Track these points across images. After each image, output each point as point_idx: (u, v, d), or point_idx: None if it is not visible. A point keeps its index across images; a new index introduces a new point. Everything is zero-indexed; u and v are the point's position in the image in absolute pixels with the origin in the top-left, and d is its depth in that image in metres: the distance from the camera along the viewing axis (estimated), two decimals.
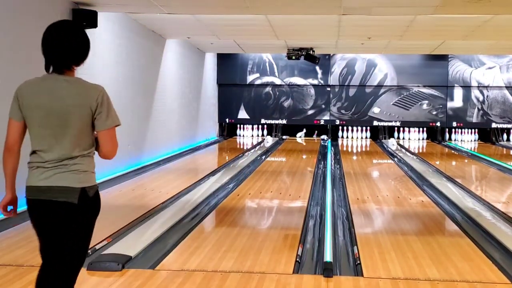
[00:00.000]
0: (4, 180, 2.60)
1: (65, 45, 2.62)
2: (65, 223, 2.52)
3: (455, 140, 16.93)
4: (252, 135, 17.23)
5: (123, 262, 4.20)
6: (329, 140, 16.15)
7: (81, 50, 2.67)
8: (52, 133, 2.50)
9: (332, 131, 17.02)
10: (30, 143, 2.55)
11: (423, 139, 17.00)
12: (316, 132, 17.18)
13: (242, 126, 17.30)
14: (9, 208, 2.63)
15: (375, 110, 16.90)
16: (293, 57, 13.44)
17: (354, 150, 14.72)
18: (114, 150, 2.58)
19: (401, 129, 17.09)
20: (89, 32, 7.64)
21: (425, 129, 17.04)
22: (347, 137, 17.19)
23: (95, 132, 2.57)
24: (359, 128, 17.18)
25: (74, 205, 2.50)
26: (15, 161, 2.57)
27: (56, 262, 2.58)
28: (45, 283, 2.59)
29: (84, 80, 2.58)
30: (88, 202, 2.54)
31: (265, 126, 17.18)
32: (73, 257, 2.59)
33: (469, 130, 16.95)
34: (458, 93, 16.74)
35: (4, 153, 2.58)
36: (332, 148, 14.11)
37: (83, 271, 4.07)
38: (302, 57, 13.51)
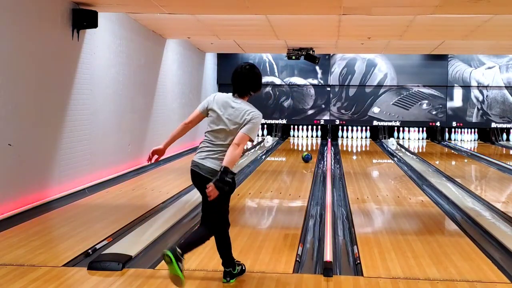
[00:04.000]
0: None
1: None
2: None
3: (454, 140, 16.94)
4: None
5: (124, 261, 4.20)
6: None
7: None
8: None
9: (332, 131, 17.04)
10: None
11: (422, 139, 17.02)
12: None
13: None
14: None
15: (375, 110, 16.92)
16: (293, 57, 13.44)
17: (354, 150, 14.72)
18: None
19: (401, 129, 17.10)
20: (89, 32, 7.66)
21: (424, 129, 17.06)
22: (347, 137, 17.20)
23: None
24: (359, 128, 17.20)
25: None
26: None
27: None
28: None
29: None
30: None
31: (265, 126, 17.19)
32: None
33: (469, 130, 16.97)
34: (457, 93, 16.75)
35: None
36: (332, 148, 14.12)
37: (83, 271, 4.09)
38: (302, 57, 13.51)
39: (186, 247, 3.67)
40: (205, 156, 3.72)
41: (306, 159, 11.13)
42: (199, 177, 3.72)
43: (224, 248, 3.83)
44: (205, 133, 3.83)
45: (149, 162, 3.99)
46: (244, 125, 3.68)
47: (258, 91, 3.87)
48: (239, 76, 3.82)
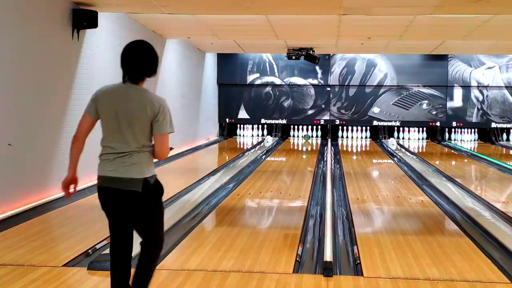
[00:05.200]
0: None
1: None
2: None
3: (454, 140, 16.94)
4: (252, 135, 17.25)
5: None
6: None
7: None
8: None
9: (332, 131, 17.04)
10: None
11: (422, 139, 17.02)
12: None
13: (242, 126, 17.31)
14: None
15: (375, 110, 16.91)
16: (293, 57, 13.44)
17: (354, 150, 14.72)
18: None
19: (401, 129, 17.10)
20: (89, 32, 7.66)
21: (424, 129, 17.06)
22: (347, 137, 17.20)
23: None
24: (359, 128, 17.20)
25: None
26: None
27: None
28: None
29: None
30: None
31: (265, 126, 17.19)
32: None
33: (469, 130, 16.97)
34: (457, 93, 16.75)
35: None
36: (332, 148, 14.12)
37: (83, 271, 4.08)
38: (302, 57, 13.51)
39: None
40: (114, 168, 2.99)
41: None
42: (116, 194, 2.99)
43: (152, 270, 3.18)
44: (102, 143, 3.08)
45: (69, 197, 3.32)
46: (156, 122, 2.96)
47: (154, 75, 3.08)
48: (131, 57, 3.04)
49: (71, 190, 3.24)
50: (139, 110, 2.94)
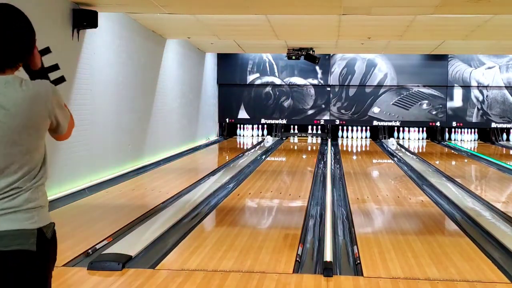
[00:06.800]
0: None
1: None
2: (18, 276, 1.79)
3: (454, 140, 16.94)
4: (252, 135, 17.25)
5: (124, 261, 4.20)
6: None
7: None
8: None
9: (332, 131, 17.04)
10: None
11: (422, 139, 17.02)
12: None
13: (242, 126, 17.32)
14: None
15: (375, 110, 16.92)
16: (293, 57, 13.44)
17: (354, 150, 14.72)
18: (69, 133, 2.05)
19: (401, 129, 17.10)
20: (89, 32, 7.66)
21: (424, 129, 17.06)
22: (347, 137, 17.21)
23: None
24: (359, 128, 17.20)
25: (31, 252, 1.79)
26: None
27: None
28: None
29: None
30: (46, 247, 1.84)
31: (265, 126, 17.19)
32: None
33: (469, 130, 16.97)
34: (457, 93, 16.75)
35: None
36: (332, 148, 14.12)
37: (83, 271, 4.09)
38: (302, 57, 13.52)
39: None
40: None
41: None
42: None
43: None
44: None
45: None
46: (55, 118, 1.91)
47: (24, 59, 2.02)
48: None
49: None
50: (23, 115, 1.79)
